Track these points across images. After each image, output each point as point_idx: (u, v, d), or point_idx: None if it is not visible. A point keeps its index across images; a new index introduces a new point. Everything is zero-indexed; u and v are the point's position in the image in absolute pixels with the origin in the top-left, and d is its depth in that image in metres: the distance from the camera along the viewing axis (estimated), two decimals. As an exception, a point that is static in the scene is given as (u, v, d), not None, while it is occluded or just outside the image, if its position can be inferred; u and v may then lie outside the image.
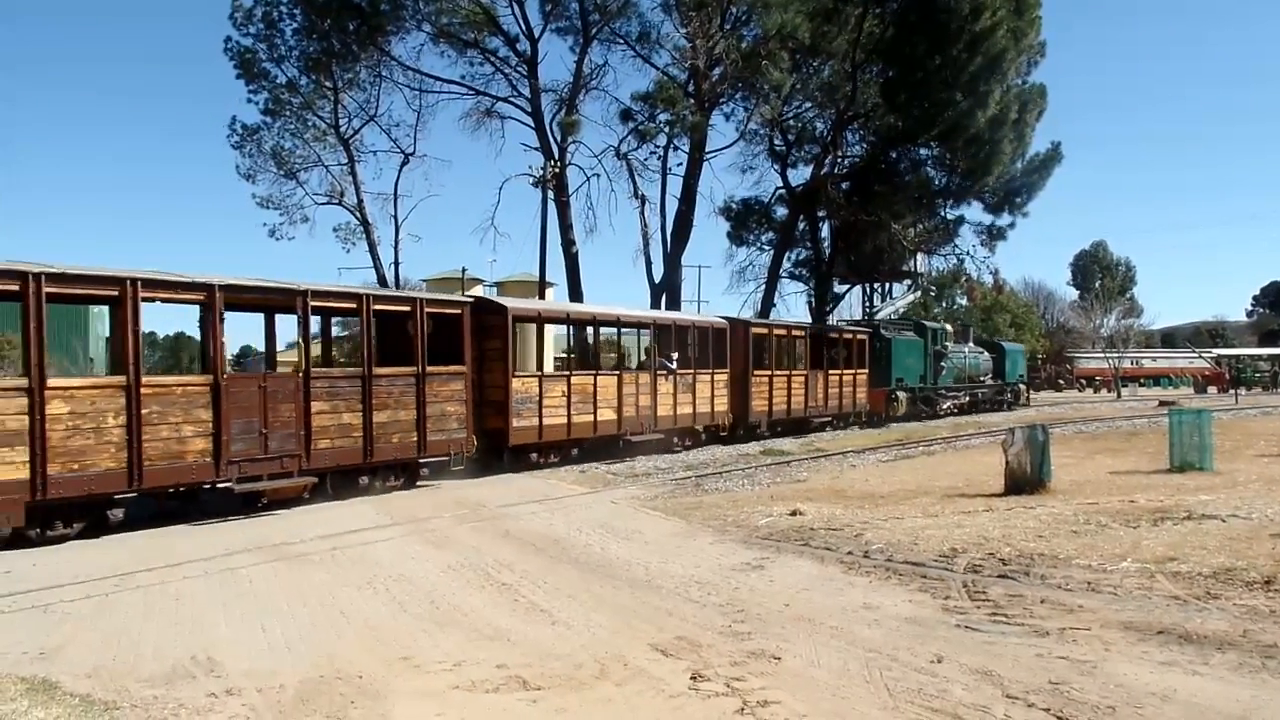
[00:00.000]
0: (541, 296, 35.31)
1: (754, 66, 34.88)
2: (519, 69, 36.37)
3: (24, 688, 6.06)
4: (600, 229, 44.97)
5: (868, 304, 48.46)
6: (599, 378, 20.81)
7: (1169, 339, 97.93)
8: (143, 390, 12.09)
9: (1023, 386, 46.60)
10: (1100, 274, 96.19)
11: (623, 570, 9.76)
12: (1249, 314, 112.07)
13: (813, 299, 41.50)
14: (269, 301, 14.85)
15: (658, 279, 37.74)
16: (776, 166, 40.01)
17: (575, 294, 36.02)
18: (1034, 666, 6.33)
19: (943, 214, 40.25)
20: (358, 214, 37.40)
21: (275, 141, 36.40)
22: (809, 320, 36.81)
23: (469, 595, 8.69)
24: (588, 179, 37.64)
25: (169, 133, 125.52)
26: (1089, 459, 20.02)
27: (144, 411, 12.09)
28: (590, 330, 21.80)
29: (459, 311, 17.02)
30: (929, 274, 50.05)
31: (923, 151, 37.69)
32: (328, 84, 35.86)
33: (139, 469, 12.02)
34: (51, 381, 11.43)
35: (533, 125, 36.73)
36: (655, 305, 35.71)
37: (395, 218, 38.13)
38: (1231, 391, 55.38)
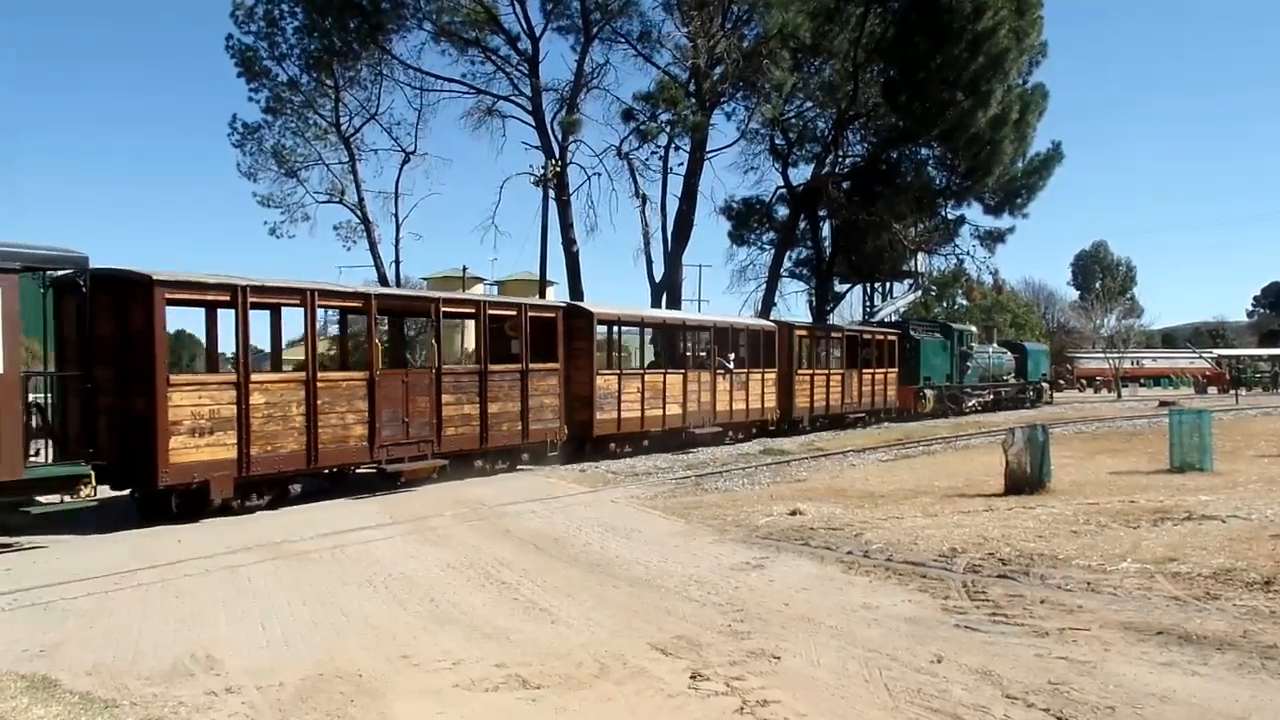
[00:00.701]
0: (542, 295, 35.32)
1: (755, 66, 34.89)
2: (520, 68, 36.38)
3: (24, 685, 6.06)
4: (601, 228, 45.00)
5: (868, 303, 48.46)
6: (668, 376, 22.95)
7: (1169, 339, 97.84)
8: (318, 384, 14.35)
9: (1045, 385, 47.95)
10: (1101, 274, 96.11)
11: (622, 569, 9.76)
12: (1249, 314, 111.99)
13: (813, 298, 41.52)
14: (408, 308, 18.48)
15: (658, 278, 37.77)
16: (777, 166, 40.06)
17: (575, 293, 36.01)
18: (1033, 667, 6.33)
19: (943, 214, 40.27)
20: (358, 212, 37.44)
21: (276, 140, 36.47)
22: (809, 320, 36.85)
23: (469, 594, 8.70)
24: (589, 178, 37.67)
25: (166, 130, 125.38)
26: (1089, 459, 20.01)
27: (319, 402, 14.22)
28: (664, 333, 24.43)
29: (554, 315, 19.37)
30: (929, 274, 50.06)
31: (924, 151, 37.68)
32: (329, 82, 35.87)
33: (315, 451, 14.20)
34: (254, 376, 13.63)
35: (534, 124, 36.75)
36: (655, 304, 35.71)
37: (396, 216, 38.19)
38: (1232, 392, 55.33)
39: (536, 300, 22.77)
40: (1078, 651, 6.64)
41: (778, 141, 39.70)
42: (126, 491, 12.98)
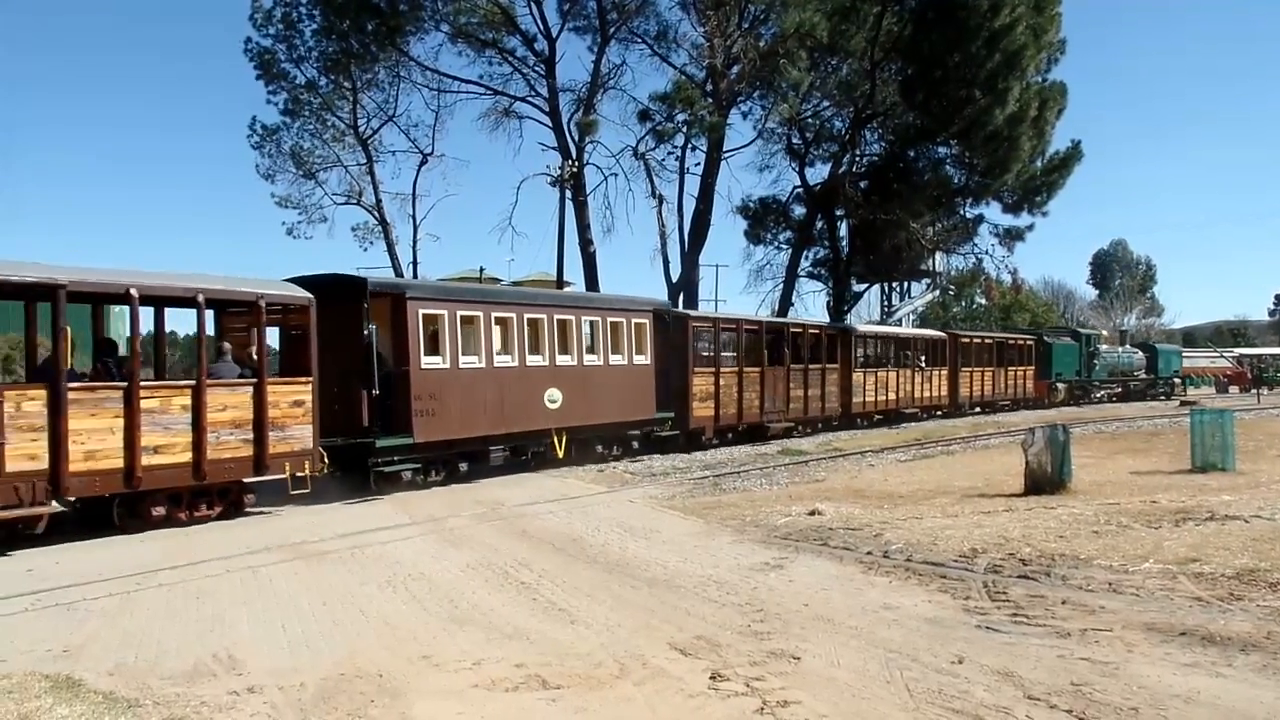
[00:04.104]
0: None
1: (772, 65, 34.86)
2: (537, 68, 36.46)
3: (48, 685, 6.10)
4: (618, 228, 45.02)
5: (886, 303, 48.34)
6: (889, 373, 31.87)
7: (1190, 338, 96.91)
8: (742, 374, 24.21)
9: (1177, 381, 53.42)
10: (1120, 273, 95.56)
11: (641, 569, 9.76)
12: (1271, 313, 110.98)
13: (831, 298, 41.44)
14: (771, 328, 26.42)
15: (675, 278, 37.77)
16: (794, 165, 40.01)
17: (591, 290, 36.06)
18: (1056, 668, 6.29)
19: (961, 213, 40.15)
20: (376, 213, 37.61)
21: (294, 142, 36.66)
22: (826, 320, 36.90)
23: (488, 594, 8.71)
24: (605, 178, 37.74)
25: (181, 130, 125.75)
26: (1109, 459, 19.88)
27: (742, 384, 24.21)
28: (883, 341, 33.36)
29: (836, 333, 29.21)
30: (947, 273, 49.90)
31: (941, 150, 37.59)
32: (346, 84, 36.03)
33: (741, 413, 24.23)
34: (721, 368, 23.53)
35: (550, 125, 36.83)
36: (673, 304, 35.71)
37: (414, 217, 38.33)
38: (1253, 391, 54.84)
39: (822, 322, 32.28)
40: (1100, 652, 6.59)
41: (794, 141, 39.69)
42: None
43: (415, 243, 38.44)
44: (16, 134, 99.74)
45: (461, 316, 16.61)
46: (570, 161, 35.44)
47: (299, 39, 35.37)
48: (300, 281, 14.64)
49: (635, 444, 20.99)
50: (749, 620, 7.62)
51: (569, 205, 35.28)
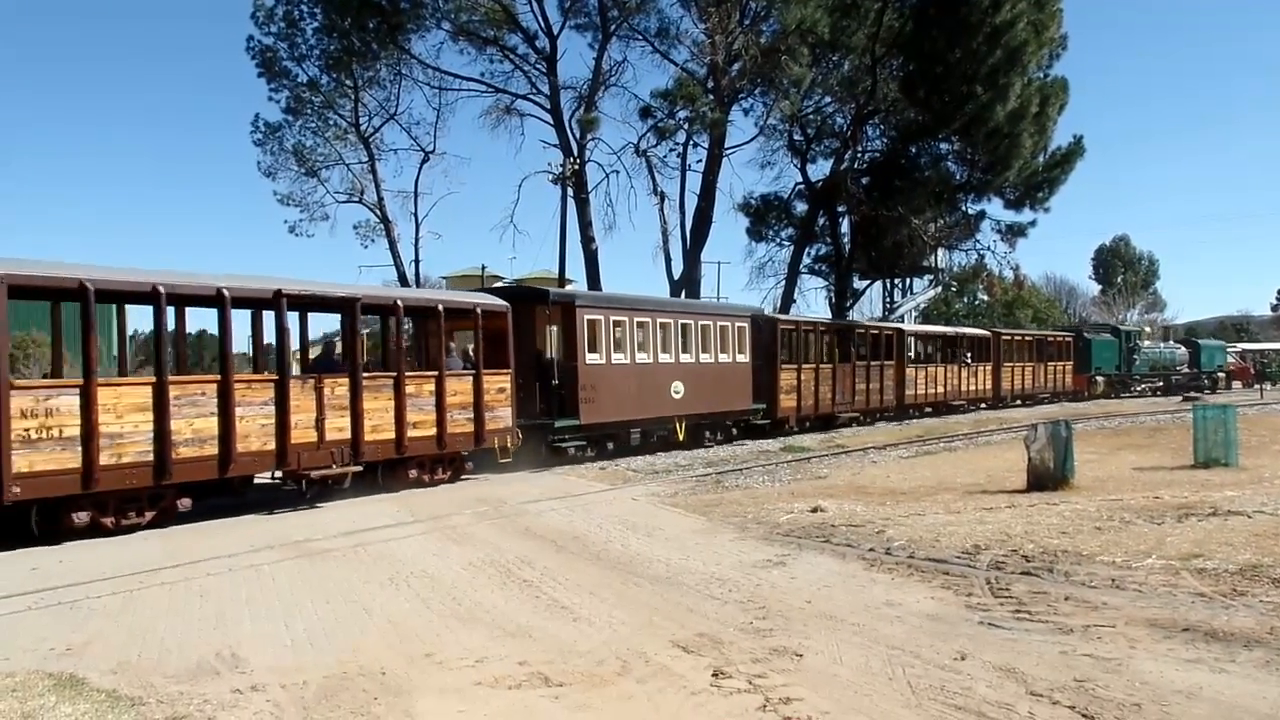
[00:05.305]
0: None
1: (773, 62, 34.81)
2: (538, 66, 36.42)
3: (51, 683, 6.11)
4: (619, 226, 44.86)
5: (888, 300, 48.27)
6: (937, 368, 35.01)
7: (1193, 334, 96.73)
8: (819, 369, 27.75)
9: (1221, 375, 54.88)
10: (1123, 268, 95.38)
11: (644, 567, 9.76)
12: (1273, 308, 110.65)
13: (833, 295, 41.41)
14: (850, 330, 30.96)
15: (677, 275, 37.76)
16: (796, 162, 39.94)
17: (594, 290, 36.04)
18: (1058, 664, 6.29)
19: (963, 209, 40.07)
20: (378, 212, 37.62)
21: (296, 140, 36.68)
22: (829, 317, 36.92)
23: (491, 592, 8.72)
24: (607, 176, 37.72)
25: (182, 129, 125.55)
26: (1112, 455, 19.86)
27: (818, 378, 27.66)
28: (931, 340, 36.58)
29: (892, 333, 32.71)
30: (950, 269, 49.81)
31: (943, 146, 37.49)
32: (348, 82, 36.02)
33: (817, 404, 27.63)
34: (803, 365, 26.88)
35: (552, 122, 36.78)
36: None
37: (415, 215, 38.36)
38: (1256, 386, 54.78)
39: (879, 322, 36.65)
40: (1103, 648, 6.59)
41: (796, 137, 39.61)
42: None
43: (417, 240, 38.54)
44: (16, 133, 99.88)
45: (613, 321, 20.33)
46: (572, 159, 35.42)
47: (300, 37, 35.41)
48: (490, 292, 19.19)
49: (734, 431, 24.42)
50: (751, 617, 7.62)
51: (570, 203, 35.28)
